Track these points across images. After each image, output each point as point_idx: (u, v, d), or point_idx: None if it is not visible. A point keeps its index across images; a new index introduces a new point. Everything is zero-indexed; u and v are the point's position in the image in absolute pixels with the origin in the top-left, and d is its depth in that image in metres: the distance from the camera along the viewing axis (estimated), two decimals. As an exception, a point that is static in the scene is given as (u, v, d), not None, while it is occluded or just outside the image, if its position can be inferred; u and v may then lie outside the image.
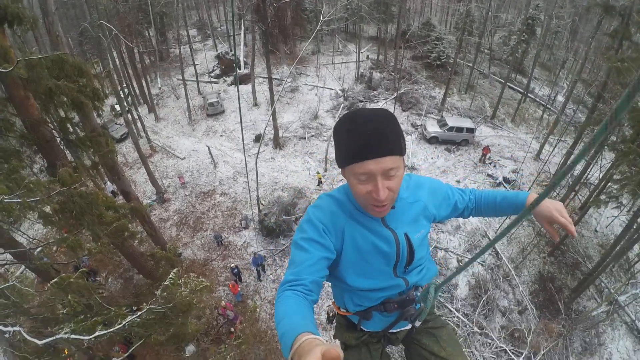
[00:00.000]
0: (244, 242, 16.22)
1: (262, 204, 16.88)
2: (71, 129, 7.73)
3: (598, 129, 0.67)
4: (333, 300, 1.66)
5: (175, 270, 7.24)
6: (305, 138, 22.52)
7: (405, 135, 16.94)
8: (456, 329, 12.53)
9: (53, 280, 5.98)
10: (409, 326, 1.58)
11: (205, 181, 19.52)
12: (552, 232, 1.34)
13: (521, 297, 14.35)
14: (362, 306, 1.47)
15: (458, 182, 19.11)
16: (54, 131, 7.71)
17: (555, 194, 18.82)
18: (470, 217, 1.76)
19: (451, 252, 15.67)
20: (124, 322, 5.91)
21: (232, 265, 14.26)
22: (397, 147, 1.15)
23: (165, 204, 18.06)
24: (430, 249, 16.11)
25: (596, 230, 17.35)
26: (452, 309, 13.37)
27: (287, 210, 16.39)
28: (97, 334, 5.59)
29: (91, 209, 6.42)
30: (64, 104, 6.93)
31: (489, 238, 16.33)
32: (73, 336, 5.40)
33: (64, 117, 7.41)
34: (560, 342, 12.70)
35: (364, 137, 1.11)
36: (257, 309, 13.15)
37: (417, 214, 1.43)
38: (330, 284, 1.53)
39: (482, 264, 15.20)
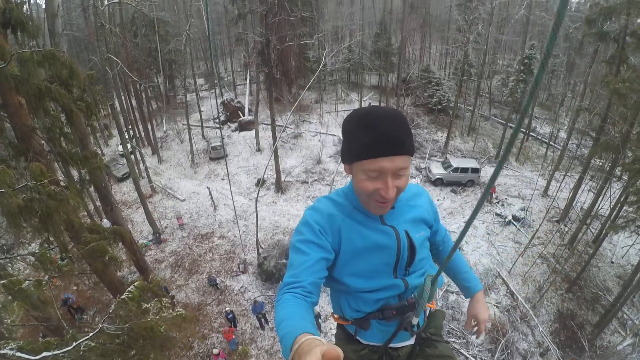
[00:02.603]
0: (242, 287, 15.35)
1: (261, 247, 16.21)
2: (59, 137, 7.39)
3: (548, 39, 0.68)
4: (332, 311, 1.60)
5: (137, 282, 6.45)
6: (307, 182, 22.28)
7: (410, 178, 16.89)
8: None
9: (1, 282, 5.29)
10: (412, 341, 1.51)
11: (204, 223, 19.01)
12: (468, 323, 1.63)
13: (541, 337, 13.28)
14: (360, 312, 1.41)
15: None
16: (43, 142, 7.42)
17: (566, 229, 18.16)
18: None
19: (463, 295, 14.64)
20: (75, 344, 5.11)
21: (227, 309, 13.29)
22: (410, 147, 1.16)
23: (162, 244, 17.45)
24: (441, 293, 15.42)
25: (612, 262, 16.72)
26: (468, 355, 12.20)
27: (288, 254, 15.64)
28: (43, 354, 4.83)
29: (58, 212, 5.82)
30: (52, 111, 6.69)
31: (502, 279, 15.41)
32: (18, 354, 4.67)
33: (53, 125, 7.11)
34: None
35: (381, 133, 1.11)
36: (249, 354, 12.05)
37: (416, 216, 1.42)
38: (329, 289, 1.50)
39: (497, 306, 14.19)
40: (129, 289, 6.25)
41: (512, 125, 27.53)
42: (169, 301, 7.77)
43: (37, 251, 6.44)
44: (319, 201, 1.40)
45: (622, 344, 12.98)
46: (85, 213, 16.93)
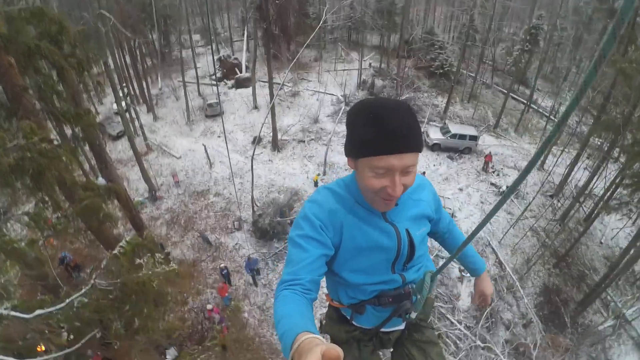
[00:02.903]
0: (236, 243, 15.60)
1: (256, 205, 16.31)
2: (51, 95, 7.21)
3: (587, 73, 0.61)
4: (327, 293, 1.58)
5: (129, 238, 6.52)
6: (304, 142, 22.10)
7: None
8: (458, 342, 11.83)
9: None
10: (402, 326, 1.57)
11: (199, 181, 19.01)
12: (475, 298, 1.71)
13: (526, 309, 13.73)
14: (356, 299, 1.41)
15: (460, 190, 18.58)
16: (35, 102, 7.22)
17: (559, 204, 18.40)
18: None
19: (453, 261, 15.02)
20: (68, 300, 5.21)
21: (222, 265, 13.57)
22: (419, 144, 1.12)
23: (157, 202, 17.53)
24: (432, 257, 15.76)
25: (601, 242, 16.89)
26: (453, 320, 12.68)
27: (283, 212, 15.80)
28: (37, 312, 4.94)
29: (50, 170, 5.74)
30: (43, 69, 6.46)
31: (492, 248, 15.76)
32: (12, 313, 4.77)
33: (44, 83, 6.89)
34: (567, 357, 12.04)
35: (389, 130, 1.06)
36: (241, 310, 12.46)
37: (419, 212, 1.40)
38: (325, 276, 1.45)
39: (485, 274, 14.60)
40: (121, 244, 6.27)
41: (517, 98, 27.25)
42: (162, 256, 7.87)
43: (31, 211, 6.41)
44: (319, 193, 1.36)
45: (603, 324, 13.38)
46: (81, 172, 16.81)
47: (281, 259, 14.84)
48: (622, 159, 15.79)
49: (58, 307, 5.16)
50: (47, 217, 6.55)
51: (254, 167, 14.57)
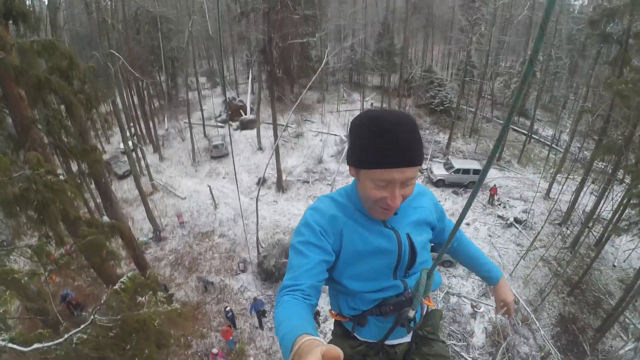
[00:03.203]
0: (241, 286, 15.30)
1: (261, 247, 16.14)
2: (59, 130, 7.31)
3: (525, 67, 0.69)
4: (330, 308, 1.58)
5: (125, 271, 6.34)
6: (309, 182, 22.21)
7: None
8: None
9: None
10: (408, 339, 1.51)
11: (204, 222, 18.96)
12: (498, 308, 1.67)
13: (543, 341, 13.18)
14: (357, 310, 1.38)
15: (467, 224, 18.35)
16: (43, 135, 7.33)
17: (568, 231, 18.07)
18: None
19: (464, 297, 14.57)
20: (66, 336, 5.02)
21: (227, 308, 13.21)
22: (421, 157, 1.15)
23: (162, 242, 17.40)
24: (442, 295, 15.34)
25: (614, 265, 16.59)
26: (468, 358, 12.12)
27: (288, 253, 15.56)
28: (35, 346, 4.75)
29: (54, 202, 5.72)
30: (52, 103, 6.62)
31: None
32: (10, 345, 4.59)
33: (53, 117, 7.03)
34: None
35: (392, 144, 1.08)
36: (246, 353, 11.98)
37: (419, 218, 1.40)
38: (327, 287, 1.46)
39: (498, 309, 14.08)
40: (122, 279, 6.15)
41: (518, 129, 27.57)
42: (164, 295, 7.67)
43: (33, 244, 6.35)
44: (320, 201, 1.38)
45: (623, 348, 12.91)
46: (86, 210, 16.89)
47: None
48: (627, 180, 15.74)
49: (56, 342, 4.99)
50: (50, 252, 6.49)
51: (258, 208, 14.56)
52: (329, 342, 1.46)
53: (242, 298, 14.69)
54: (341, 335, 1.55)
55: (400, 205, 1.29)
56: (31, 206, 5.57)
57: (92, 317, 5.55)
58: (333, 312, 1.52)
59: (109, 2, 20.92)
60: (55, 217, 6.23)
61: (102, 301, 5.98)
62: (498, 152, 0.82)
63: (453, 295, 14.70)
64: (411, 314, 1.35)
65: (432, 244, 1.61)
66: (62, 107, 7.53)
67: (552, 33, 24.72)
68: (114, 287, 6.07)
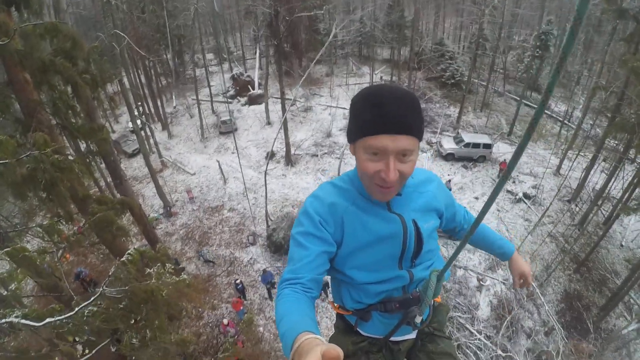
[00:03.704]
0: (251, 258, 15.62)
1: (270, 220, 16.36)
2: (65, 110, 7.38)
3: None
4: (332, 300, 1.54)
5: (136, 246, 6.53)
6: (317, 155, 22.21)
7: (420, 152, 16.30)
8: (478, 352, 11.47)
9: (5, 250, 5.38)
10: (413, 335, 1.48)
11: (214, 196, 19.22)
12: (515, 281, 1.63)
13: (547, 317, 13.29)
14: (361, 303, 1.34)
15: (476, 198, 18.29)
16: (50, 117, 7.43)
17: (577, 209, 17.95)
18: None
19: (471, 270, 14.70)
20: (77, 309, 5.22)
21: (237, 280, 13.57)
22: (417, 128, 1.09)
23: (172, 218, 17.75)
24: (449, 268, 15.47)
25: (622, 245, 16.49)
26: (473, 330, 12.33)
27: (296, 225, 15.78)
28: (47, 320, 4.96)
29: (62, 181, 5.84)
30: (57, 85, 6.66)
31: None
32: (23, 321, 4.81)
33: (59, 98, 7.09)
34: (591, 364, 11.58)
35: (385, 109, 1.05)
36: (255, 323, 12.36)
37: (425, 204, 1.34)
38: (330, 277, 1.42)
39: (504, 283, 14.22)
40: (129, 251, 6.31)
41: (530, 104, 26.90)
42: (172, 267, 7.86)
43: (44, 223, 6.52)
44: (321, 188, 1.33)
45: (627, 328, 12.99)
46: (97, 189, 17.23)
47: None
48: (639, 159, 15.41)
49: (67, 315, 5.18)
50: (61, 230, 6.65)
51: (267, 182, 14.67)
52: (331, 337, 1.56)
53: (252, 270, 15.03)
54: (343, 329, 1.51)
55: (406, 189, 1.29)
56: (39, 186, 5.66)
57: (101, 289, 5.72)
58: (335, 304, 1.48)
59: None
60: (64, 195, 6.30)
61: (110, 273, 6.16)
62: (527, 142, 0.71)
63: (460, 268, 14.82)
64: (418, 318, 1.32)
65: (442, 231, 1.57)
66: (69, 88, 7.58)
67: (567, 7, 23.80)
68: (121, 259, 6.23)
